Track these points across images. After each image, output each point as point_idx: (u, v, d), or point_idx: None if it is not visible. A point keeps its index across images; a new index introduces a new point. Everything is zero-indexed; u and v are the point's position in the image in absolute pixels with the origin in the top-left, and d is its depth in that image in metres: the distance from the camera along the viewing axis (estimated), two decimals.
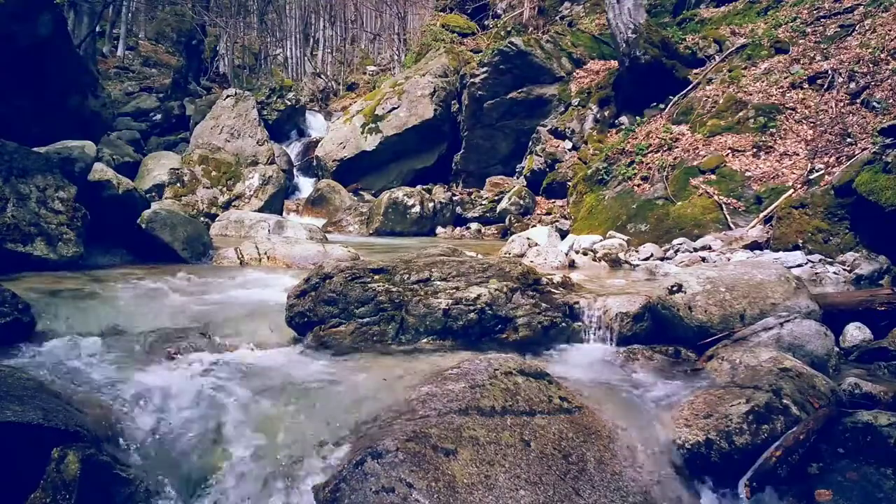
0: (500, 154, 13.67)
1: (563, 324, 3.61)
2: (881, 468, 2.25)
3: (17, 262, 4.54)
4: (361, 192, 14.01)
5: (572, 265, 6.12)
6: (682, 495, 2.24)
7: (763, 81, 9.16)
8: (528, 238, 7.15)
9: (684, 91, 9.99)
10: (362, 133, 14.59)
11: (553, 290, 3.83)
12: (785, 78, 8.97)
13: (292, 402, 2.59)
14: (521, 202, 11.56)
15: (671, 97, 10.06)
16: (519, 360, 2.71)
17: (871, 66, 8.10)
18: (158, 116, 18.70)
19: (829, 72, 8.53)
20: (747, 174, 7.75)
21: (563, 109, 12.62)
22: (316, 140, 16.54)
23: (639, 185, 8.72)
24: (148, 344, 3.25)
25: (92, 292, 4.09)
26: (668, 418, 2.55)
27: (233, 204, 10.79)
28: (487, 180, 13.12)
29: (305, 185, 15.10)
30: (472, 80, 13.34)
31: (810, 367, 2.92)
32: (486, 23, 19.38)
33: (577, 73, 13.08)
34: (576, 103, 12.27)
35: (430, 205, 11.64)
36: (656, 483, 2.23)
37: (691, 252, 6.54)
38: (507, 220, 11.27)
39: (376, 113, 14.78)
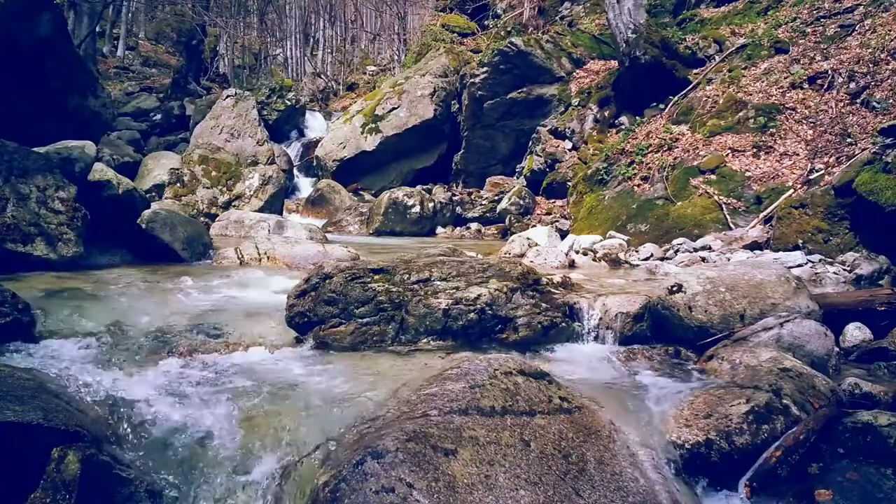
0: (500, 154, 13.66)
1: (563, 324, 3.61)
2: (881, 468, 2.25)
3: (17, 262, 4.54)
4: (361, 192, 14.00)
5: (572, 265, 6.12)
6: (683, 495, 2.24)
7: (763, 81, 9.16)
8: (528, 238, 7.15)
9: (684, 91, 9.99)
10: (362, 133, 14.59)
11: (553, 290, 3.83)
12: (785, 78, 8.96)
13: (292, 401, 2.59)
14: (521, 202, 11.56)
15: (671, 97, 10.05)
16: (519, 359, 2.71)
17: (871, 66, 8.09)
18: (158, 116, 18.69)
19: (829, 72, 8.53)
20: (747, 174, 7.75)
21: (563, 109, 12.62)
22: (316, 140, 16.52)
23: (639, 185, 8.72)
24: (148, 344, 3.25)
25: (92, 292, 4.09)
26: (669, 418, 2.55)
27: (233, 204, 10.77)
28: (487, 180, 13.11)
29: (305, 185, 15.09)
30: (472, 80, 13.33)
31: (810, 367, 2.92)
32: (486, 23, 19.37)
33: (577, 73, 13.07)
34: (576, 103, 12.27)
35: (430, 205, 11.63)
36: (656, 483, 2.23)
37: (691, 252, 6.54)
38: (507, 220, 11.26)
39: (376, 113, 14.77)
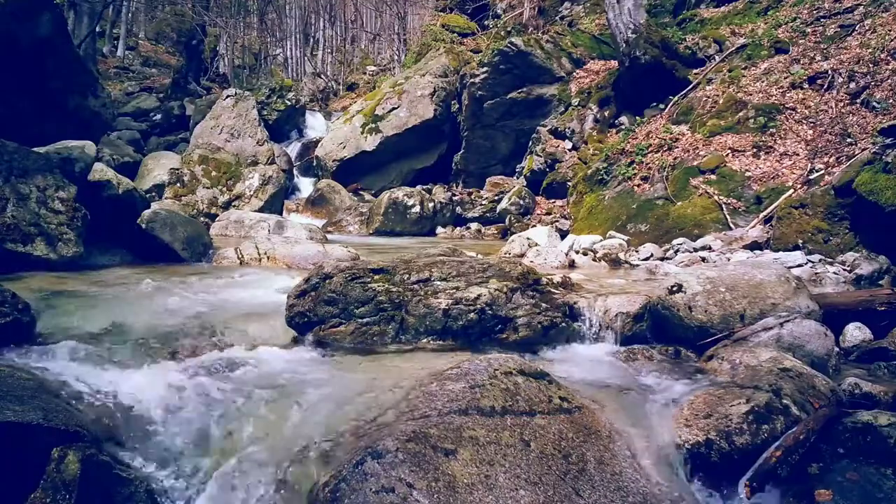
0: (500, 154, 13.66)
1: (563, 324, 3.61)
2: (881, 468, 2.25)
3: (17, 262, 4.54)
4: (361, 192, 14.00)
5: (572, 265, 6.12)
6: (682, 495, 2.24)
7: (763, 81, 9.16)
8: (528, 238, 7.15)
9: (684, 91, 9.99)
10: (362, 133, 14.59)
11: (553, 290, 3.83)
12: (785, 78, 8.96)
13: (292, 401, 2.59)
14: (521, 202, 11.56)
15: (671, 97, 10.05)
16: (519, 360, 2.71)
17: (871, 66, 8.09)
18: (158, 116, 18.69)
19: (829, 72, 8.53)
20: (747, 174, 7.75)
21: (563, 109, 12.62)
22: (316, 140, 16.52)
23: (639, 185, 8.72)
24: (148, 344, 3.25)
25: (92, 292, 4.10)
26: (669, 418, 2.55)
27: (233, 204, 10.77)
28: (487, 180, 13.11)
29: (305, 185, 15.08)
30: (472, 80, 13.33)
31: (810, 367, 2.92)
32: (486, 23, 19.37)
33: (577, 73, 13.07)
34: (576, 103, 12.27)
35: (430, 205, 11.63)
36: (656, 483, 2.23)
37: (691, 252, 6.54)
38: (507, 220, 11.26)
39: (376, 113, 14.77)
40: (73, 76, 9.25)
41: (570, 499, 2.03)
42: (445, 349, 3.33)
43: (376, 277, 3.56)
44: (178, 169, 11.07)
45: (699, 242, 6.81)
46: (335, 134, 15.25)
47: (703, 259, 6.17)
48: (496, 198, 12.19)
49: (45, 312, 3.47)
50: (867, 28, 8.94)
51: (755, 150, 8.04)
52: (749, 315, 3.35)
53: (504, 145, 13.59)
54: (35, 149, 5.10)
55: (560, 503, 2.00)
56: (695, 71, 10.61)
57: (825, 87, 8.43)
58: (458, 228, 11.78)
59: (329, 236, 9.20)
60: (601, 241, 7.20)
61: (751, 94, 8.94)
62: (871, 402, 2.74)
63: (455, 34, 18.78)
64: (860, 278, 5.18)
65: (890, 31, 8.44)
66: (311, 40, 30.29)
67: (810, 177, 7.12)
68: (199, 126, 14.24)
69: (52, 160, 5.04)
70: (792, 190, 7.11)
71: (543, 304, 3.61)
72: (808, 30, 9.88)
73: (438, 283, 3.56)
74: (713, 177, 7.92)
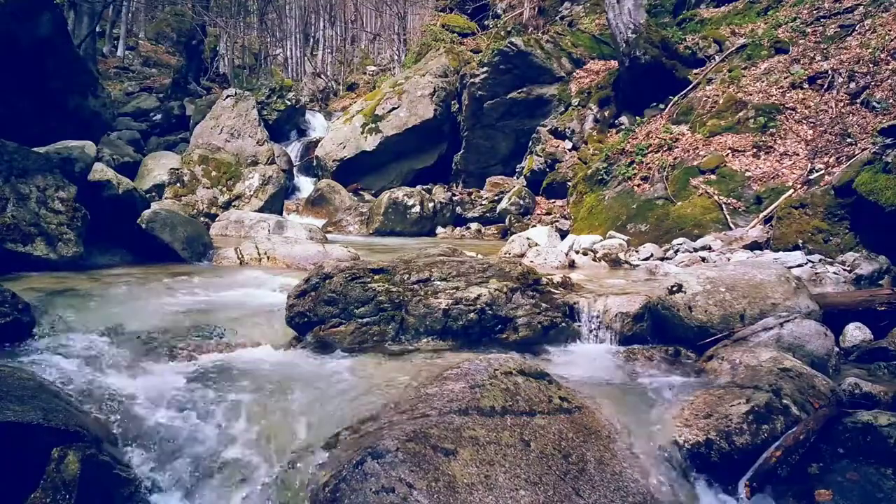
0: (500, 154, 13.66)
1: (563, 324, 3.61)
2: (881, 468, 2.25)
3: (17, 262, 4.54)
4: (361, 192, 14.00)
5: (572, 265, 6.12)
6: (683, 495, 2.24)
7: (763, 81, 9.16)
8: (528, 238, 7.15)
9: (684, 91, 9.99)
10: (362, 133, 14.59)
11: (553, 290, 3.83)
12: (785, 78, 8.96)
13: (292, 401, 2.59)
14: (521, 202, 11.56)
15: (671, 97, 10.05)
16: (519, 359, 2.71)
17: (871, 66, 8.09)
18: (158, 116, 18.68)
19: (829, 72, 8.53)
20: (747, 174, 7.75)
21: (563, 109, 12.62)
22: (316, 140, 16.52)
23: (639, 185, 8.72)
24: (148, 344, 3.25)
25: (92, 292, 4.10)
26: (669, 418, 2.55)
27: (233, 204, 10.77)
28: (487, 180, 13.12)
29: (305, 185, 15.09)
30: (472, 80, 13.33)
31: (810, 367, 2.92)
32: (486, 23, 19.37)
33: (577, 73, 13.07)
34: (576, 103, 12.26)
35: (430, 205, 11.63)
36: (656, 483, 2.23)
37: (691, 252, 6.54)
38: (507, 220, 11.26)
39: (376, 113, 14.77)
40: (73, 76, 9.24)
41: (570, 499, 2.03)
42: (445, 349, 3.33)
43: (376, 277, 3.56)
44: (178, 169, 11.07)
45: (699, 242, 6.81)
46: (335, 134, 15.25)
47: (703, 259, 6.17)
48: (496, 198, 12.19)
49: (45, 312, 3.47)
50: (867, 28, 8.94)
51: (755, 150, 8.04)
52: (749, 315, 3.35)
53: (504, 145, 13.59)
54: (35, 149, 5.11)
55: (560, 503, 2.00)
56: (695, 71, 10.61)
57: (825, 87, 8.43)
58: (458, 228, 11.78)
59: (329, 236, 9.20)
60: (601, 241, 7.20)
61: (751, 94, 8.93)
62: (871, 402, 2.74)
63: (455, 34, 18.78)
64: (860, 278, 5.18)
65: (890, 31, 8.44)
66: (311, 40, 30.29)
67: (810, 177, 7.12)
68: (199, 126, 14.24)
69: (52, 160, 5.05)
70: (792, 190, 7.11)
71: (543, 304, 3.61)
72: (808, 30, 9.88)
73: (438, 283, 3.56)
74: (713, 177, 7.92)
